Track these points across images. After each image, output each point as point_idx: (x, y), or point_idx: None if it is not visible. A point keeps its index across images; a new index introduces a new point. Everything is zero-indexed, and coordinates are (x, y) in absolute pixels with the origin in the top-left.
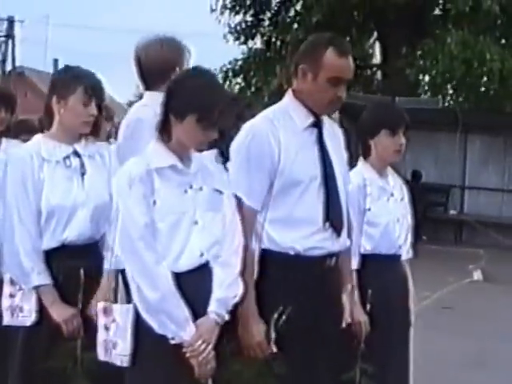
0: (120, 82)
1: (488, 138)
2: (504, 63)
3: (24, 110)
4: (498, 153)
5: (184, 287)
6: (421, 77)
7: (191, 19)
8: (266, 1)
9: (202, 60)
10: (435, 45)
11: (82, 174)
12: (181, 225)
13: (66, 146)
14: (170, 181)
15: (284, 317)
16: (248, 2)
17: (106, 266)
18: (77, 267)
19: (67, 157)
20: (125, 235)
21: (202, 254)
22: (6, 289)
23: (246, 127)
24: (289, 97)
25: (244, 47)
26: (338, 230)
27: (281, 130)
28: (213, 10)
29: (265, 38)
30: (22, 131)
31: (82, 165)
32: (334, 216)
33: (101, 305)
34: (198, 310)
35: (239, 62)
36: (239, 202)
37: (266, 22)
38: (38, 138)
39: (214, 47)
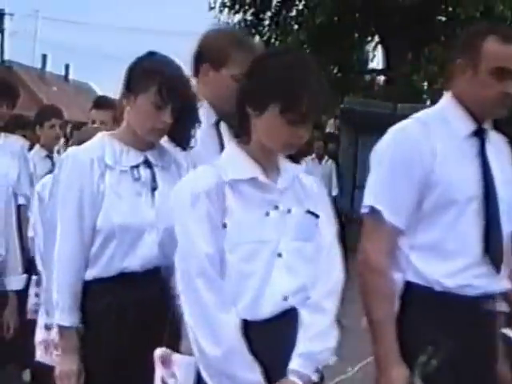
0: (108, 78)
1: None
2: None
3: None
4: None
5: (258, 341)
6: (426, 83)
7: (188, 17)
8: (267, 0)
9: None
10: (443, 50)
11: (153, 189)
12: (259, 258)
13: (136, 153)
14: (248, 198)
15: (434, 361)
16: (248, 1)
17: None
18: (137, 301)
19: (136, 166)
20: (182, 268)
21: (285, 298)
22: (41, 319)
23: (393, 130)
24: (446, 99)
25: None
26: (497, 265)
27: (437, 136)
28: (211, 8)
29: (264, 38)
30: (18, 127)
31: (154, 178)
32: (494, 247)
33: (159, 352)
34: (275, 369)
35: None
36: (378, 218)
37: (267, 22)
38: (101, 137)
39: None
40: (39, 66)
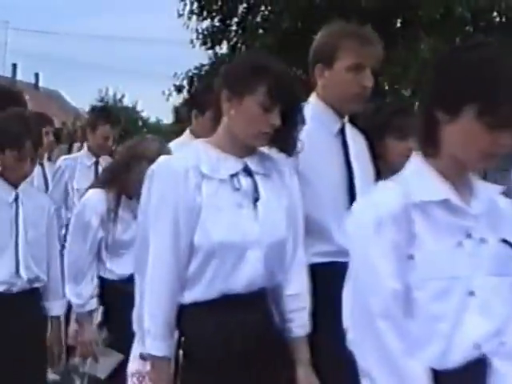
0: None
1: None
2: None
3: None
4: None
5: None
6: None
7: (157, 25)
8: (233, 6)
9: (169, 65)
10: (407, 53)
11: (255, 200)
12: (450, 297)
13: (235, 160)
14: (439, 225)
15: None
16: (215, 8)
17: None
18: (242, 327)
19: (235, 175)
20: (361, 304)
21: (477, 346)
22: (136, 348)
23: None
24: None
25: (210, 53)
26: None
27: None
28: (180, 15)
29: (231, 43)
30: None
31: (255, 187)
32: None
33: None
34: None
35: (205, 68)
36: None
37: (233, 28)
38: (195, 144)
39: (181, 52)
40: (9, 75)
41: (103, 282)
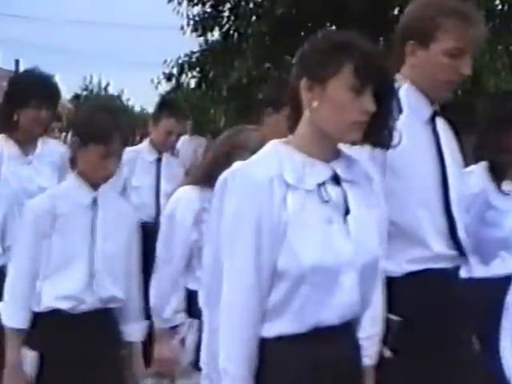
0: (59, 71)
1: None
2: (477, 59)
3: None
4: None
5: None
6: None
7: (145, 9)
8: None
9: (158, 52)
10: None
11: (346, 213)
12: None
13: (322, 166)
14: None
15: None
16: None
17: None
18: (334, 364)
19: (323, 184)
20: None
21: None
22: None
23: None
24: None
25: (201, 40)
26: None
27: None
28: (170, 1)
29: (223, 30)
30: None
31: (345, 198)
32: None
33: None
34: None
35: (196, 55)
36: None
37: (226, 14)
38: (276, 147)
39: (170, 39)
40: None
41: (190, 294)
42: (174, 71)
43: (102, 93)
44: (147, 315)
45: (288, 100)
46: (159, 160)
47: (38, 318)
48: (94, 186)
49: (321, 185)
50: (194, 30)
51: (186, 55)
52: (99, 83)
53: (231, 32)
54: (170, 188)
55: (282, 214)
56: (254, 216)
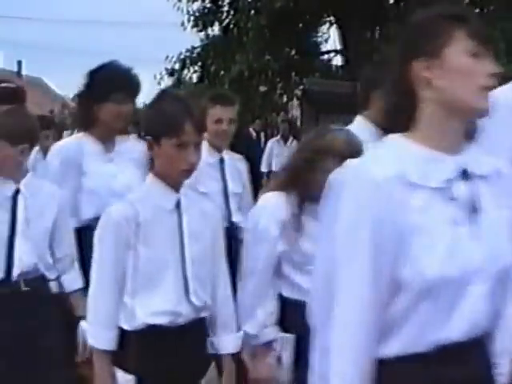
0: (60, 72)
1: None
2: None
3: None
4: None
5: None
6: None
7: (144, 7)
8: None
9: (160, 48)
10: (401, 28)
11: (473, 213)
12: None
13: (449, 159)
14: None
15: None
16: None
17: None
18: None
19: (450, 180)
20: None
21: None
22: None
23: None
24: None
25: (202, 35)
26: None
27: None
28: None
29: (223, 25)
30: (42, 128)
31: (475, 196)
32: None
33: None
34: None
35: (197, 50)
36: None
37: (225, 9)
38: (394, 141)
39: (171, 35)
40: None
41: (285, 303)
42: (177, 66)
43: None
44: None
45: (395, 92)
46: (222, 161)
47: (129, 337)
48: (175, 187)
49: (448, 181)
50: (195, 25)
51: (187, 50)
52: None
53: (231, 26)
54: (237, 188)
55: (404, 218)
56: (372, 221)
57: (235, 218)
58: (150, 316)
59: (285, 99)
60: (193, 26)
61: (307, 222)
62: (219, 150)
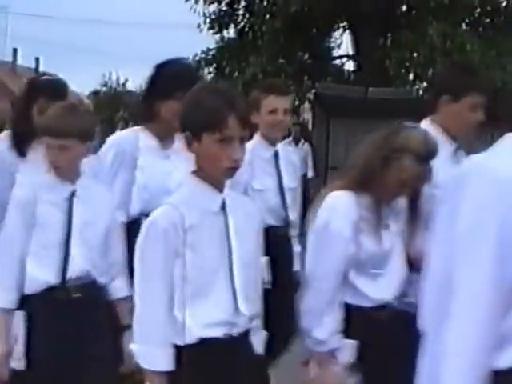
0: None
1: None
2: (485, 55)
3: None
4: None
5: None
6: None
7: (162, 9)
8: None
9: (175, 49)
10: (414, 36)
11: None
12: None
13: None
14: None
15: None
16: None
17: None
18: None
19: None
20: None
21: None
22: None
23: None
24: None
25: (217, 37)
26: None
27: None
28: (186, 0)
29: (238, 28)
30: None
31: None
32: None
33: None
34: None
35: (212, 52)
36: None
37: (241, 12)
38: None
39: (187, 36)
40: (10, 59)
41: (348, 309)
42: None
43: (121, 89)
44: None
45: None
46: (276, 155)
47: (181, 353)
48: (218, 187)
49: None
50: (211, 27)
51: (202, 52)
52: (117, 80)
53: (246, 29)
54: (293, 183)
55: None
56: (496, 222)
57: (292, 216)
58: (203, 328)
59: (297, 102)
60: (209, 28)
61: (377, 222)
62: (273, 143)
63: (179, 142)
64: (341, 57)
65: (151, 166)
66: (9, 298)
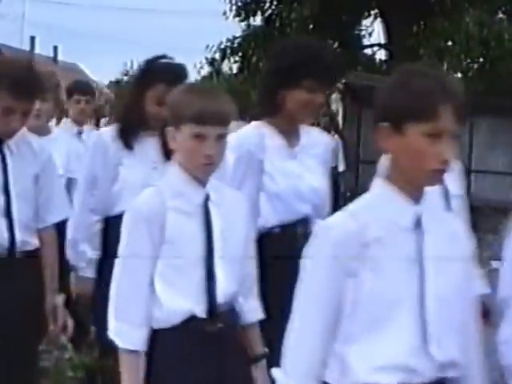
0: (97, 59)
1: (496, 121)
2: None
3: None
4: (505, 136)
5: None
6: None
7: None
8: None
9: (200, 37)
10: (450, 24)
11: None
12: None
13: None
14: None
15: None
16: None
17: None
18: None
19: None
20: None
21: None
22: None
23: None
24: None
25: (243, 25)
26: None
27: None
28: None
29: (266, 15)
30: None
31: None
32: None
33: None
34: None
35: (238, 40)
36: None
37: None
38: None
39: (212, 24)
40: (28, 48)
41: None
42: (217, 56)
43: None
44: None
45: None
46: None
47: None
48: (416, 196)
49: None
50: (237, 15)
51: (228, 40)
52: None
53: (273, 17)
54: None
55: None
56: None
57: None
58: (373, 372)
59: (326, 92)
60: (235, 16)
61: None
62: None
63: (304, 136)
64: (372, 45)
65: (279, 169)
66: (138, 337)
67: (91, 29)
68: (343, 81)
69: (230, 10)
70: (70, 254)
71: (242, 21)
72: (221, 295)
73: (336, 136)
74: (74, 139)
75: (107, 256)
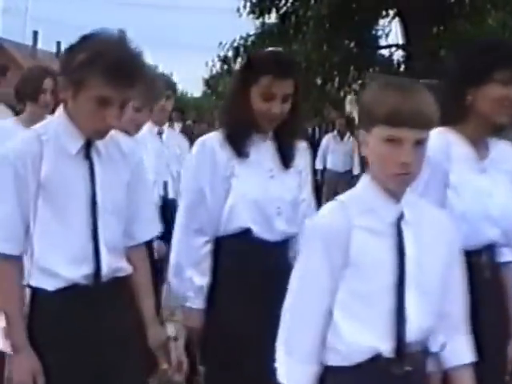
0: None
1: None
2: None
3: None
4: None
5: None
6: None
7: None
8: None
9: (213, 34)
10: (471, 26)
11: None
12: None
13: None
14: None
15: None
16: None
17: None
18: None
19: None
20: None
21: None
22: None
23: None
24: None
25: (257, 22)
26: None
27: None
28: None
29: (281, 13)
30: None
31: None
32: None
33: None
34: None
35: (251, 38)
36: None
37: None
38: None
39: (225, 21)
40: (30, 43)
41: None
42: (230, 54)
43: None
44: None
45: None
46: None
47: None
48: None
49: None
50: (251, 12)
51: (241, 38)
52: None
53: (289, 15)
54: None
55: None
56: None
57: None
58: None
59: (342, 94)
60: (249, 13)
61: None
62: None
63: (494, 146)
64: (390, 46)
65: (467, 184)
66: (305, 374)
67: (95, 24)
68: (359, 82)
69: (244, 7)
70: (173, 282)
71: (256, 18)
72: (412, 332)
73: (352, 138)
74: (156, 141)
75: (219, 283)
